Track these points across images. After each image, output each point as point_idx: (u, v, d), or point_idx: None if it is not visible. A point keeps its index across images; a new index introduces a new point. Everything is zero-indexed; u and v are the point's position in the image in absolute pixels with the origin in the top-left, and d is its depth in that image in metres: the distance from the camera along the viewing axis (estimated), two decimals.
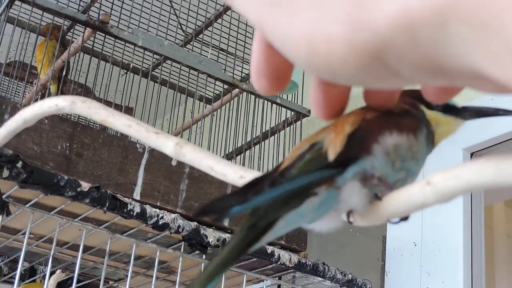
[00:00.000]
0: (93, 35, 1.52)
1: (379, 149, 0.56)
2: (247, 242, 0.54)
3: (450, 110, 0.68)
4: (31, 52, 1.68)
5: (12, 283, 1.64)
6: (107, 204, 1.25)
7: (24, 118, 0.96)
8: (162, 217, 1.31)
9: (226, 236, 1.39)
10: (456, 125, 0.68)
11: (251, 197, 0.52)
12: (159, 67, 1.80)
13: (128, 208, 1.27)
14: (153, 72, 1.87)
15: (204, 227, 1.36)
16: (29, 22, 1.58)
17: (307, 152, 0.55)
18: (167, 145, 0.81)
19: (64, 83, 1.65)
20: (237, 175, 0.70)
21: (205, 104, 1.89)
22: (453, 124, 0.67)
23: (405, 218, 0.56)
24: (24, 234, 1.35)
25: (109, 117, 0.92)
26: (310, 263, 1.52)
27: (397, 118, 0.62)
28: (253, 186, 0.55)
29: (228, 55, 1.77)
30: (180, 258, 1.40)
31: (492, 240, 2.85)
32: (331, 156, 0.54)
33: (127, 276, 1.66)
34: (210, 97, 1.86)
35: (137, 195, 1.34)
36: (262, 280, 1.62)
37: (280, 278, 1.62)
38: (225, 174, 0.74)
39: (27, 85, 1.71)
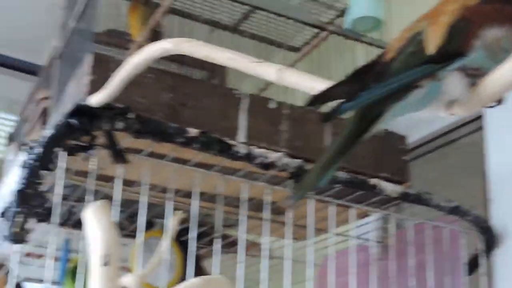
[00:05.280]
0: None
1: (480, 44, 0.57)
2: (358, 132, 0.58)
3: None
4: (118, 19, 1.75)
5: (133, 236, 1.73)
6: (215, 147, 1.32)
7: (134, 64, 1.04)
8: (267, 157, 1.37)
9: None
10: None
11: (358, 93, 0.56)
12: (247, 20, 1.85)
13: (235, 150, 1.34)
14: (240, 27, 1.91)
15: (309, 163, 1.42)
16: None
17: (408, 45, 0.58)
18: (270, 71, 0.86)
19: None
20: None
21: (296, 53, 1.92)
22: None
23: (499, 102, 0.59)
24: (140, 185, 1.44)
25: (211, 52, 0.98)
26: (413, 192, 1.56)
27: (500, 5, 0.62)
28: (358, 77, 0.59)
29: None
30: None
31: None
32: (432, 50, 0.56)
33: (238, 220, 1.73)
34: (299, 46, 1.90)
35: (241, 138, 1.40)
36: (368, 215, 1.67)
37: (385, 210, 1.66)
38: None
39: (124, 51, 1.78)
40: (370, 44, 1.74)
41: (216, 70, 2.00)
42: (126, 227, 1.71)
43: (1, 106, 3.22)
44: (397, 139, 1.62)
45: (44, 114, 1.92)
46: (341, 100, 0.57)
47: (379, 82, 0.55)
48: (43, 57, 2.22)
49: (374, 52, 1.76)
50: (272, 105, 1.47)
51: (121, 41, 1.71)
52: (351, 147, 0.57)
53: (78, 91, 1.33)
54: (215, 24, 1.82)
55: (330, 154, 0.57)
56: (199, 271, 1.70)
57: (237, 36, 1.87)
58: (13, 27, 3.06)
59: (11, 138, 2.62)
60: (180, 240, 1.70)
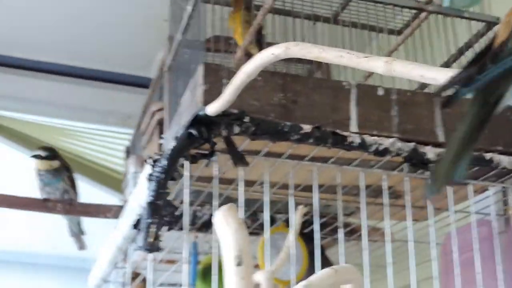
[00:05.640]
0: None
1: None
2: (484, 116, 0.60)
3: None
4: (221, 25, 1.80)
5: (256, 234, 1.79)
6: (329, 140, 1.36)
7: (247, 72, 1.08)
8: (381, 143, 1.40)
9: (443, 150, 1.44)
10: None
11: (475, 77, 0.58)
12: (346, 9, 1.87)
13: (349, 141, 1.38)
14: (340, 18, 1.93)
15: (422, 145, 1.44)
16: None
17: None
18: (378, 65, 0.88)
19: (261, 45, 1.76)
20: (446, 77, 0.76)
21: (396, 36, 1.93)
22: None
23: None
24: (260, 184, 1.49)
25: (321, 53, 1.01)
26: None
27: None
28: (475, 63, 0.61)
29: None
30: (406, 179, 1.48)
31: None
32: None
33: (357, 208, 1.76)
34: (398, 29, 1.91)
35: (353, 128, 1.43)
36: (486, 189, 1.66)
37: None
38: (435, 79, 0.80)
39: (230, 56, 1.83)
40: (472, 19, 1.73)
41: (320, 63, 2.03)
42: (249, 225, 1.77)
43: (116, 120, 3.34)
44: (508, 111, 1.61)
45: (160, 126, 2.00)
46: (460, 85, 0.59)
47: (496, 63, 0.57)
48: (152, 70, 2.31)
49: (477, 27, 1.75)
50: (380, 92, 1.49)
51: (226, 47, 1.76)
52: (480, 132, 0.59)
53: (193, 101, 1.38)
54: (316, 18, 1.85)
55: (460, 143, 0.58)
56: (325, 261, 1.73)
57: (337, 26, 1.89)
58: (119, 44, 3.16)
59: (128, 151, 2.72)
60: (303, 232, 1.74)
